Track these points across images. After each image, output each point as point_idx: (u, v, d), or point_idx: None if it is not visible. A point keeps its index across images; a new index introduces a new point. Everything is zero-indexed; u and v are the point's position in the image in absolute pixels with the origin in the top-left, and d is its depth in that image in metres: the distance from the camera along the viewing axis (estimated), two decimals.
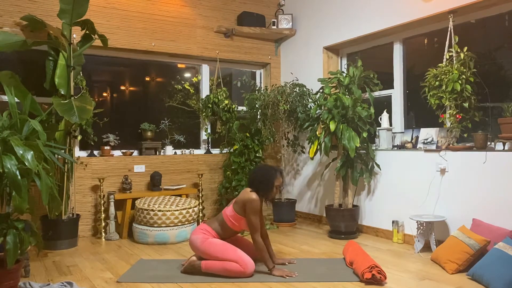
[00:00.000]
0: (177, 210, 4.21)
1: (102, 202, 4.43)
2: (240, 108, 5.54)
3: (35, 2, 4.32)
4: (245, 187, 3.34)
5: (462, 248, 3.14)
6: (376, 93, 4.69)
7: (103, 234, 4.42)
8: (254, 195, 3.17)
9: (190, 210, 4.33)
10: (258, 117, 5.25)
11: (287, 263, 3.42)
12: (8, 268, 2.58)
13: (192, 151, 5.30)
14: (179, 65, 5.42)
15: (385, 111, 4.48)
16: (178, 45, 5.12)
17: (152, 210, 4.17)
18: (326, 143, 4.35)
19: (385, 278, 2.94)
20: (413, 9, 4.10)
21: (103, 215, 4.42)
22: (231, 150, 5.11)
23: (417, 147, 4.11)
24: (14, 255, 2.58)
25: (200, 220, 4.83)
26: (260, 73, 6.04)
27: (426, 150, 3.96)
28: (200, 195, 4.94)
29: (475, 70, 3.63)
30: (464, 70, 3.60)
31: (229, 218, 3.24)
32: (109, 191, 4.56)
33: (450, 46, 3.81)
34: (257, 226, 3.15)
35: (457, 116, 3.62)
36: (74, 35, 4.40)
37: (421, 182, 4.00)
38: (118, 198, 4.50)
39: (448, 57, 3.79)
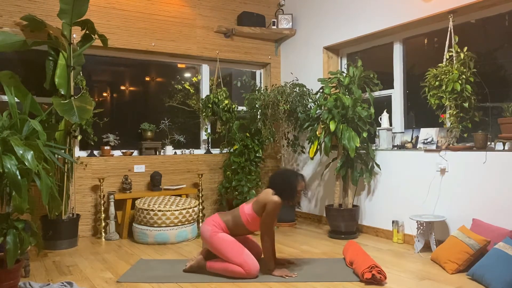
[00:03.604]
0: (177, 210, 4.22)
1: (102, 202, 4.43)
2: (240, 108, 5.54)
3: (35, 2, 4.32)
4: (260, 189, 3.29)
5: (462, 248, 3.14)
6: (376, 93, 4.69)
7: (103, 234, 4.42)
8: (277, 198, 3.11)
9: (190, 210, 4.33)
10: (258, 117, 5.25)
11: (287, 263, 3.42)
12: (8, 268, 2.58)
13: (192, 151, 5.30)
14: (179, 65, 5.42)
15: (385, 111, 4.48)
16: (178, 45, 5.12)
17: (152, 210, 4.17)
18: (326, 143, 4.35)
19: (385, 278, 2.94)
20: (413, 9, 4.10)
21: (103, 215, 4.42)
22: (231, 150, 5.11)
23: (417, 147, 4.11)
24: (14, 255, 2.58)
25: (200, 220, 4.83)
26: (260, 73, 6.04)
27: (426, 150, 3.96)
28: (200, 195, 4.94)
29: (475, 70, 3.63)
30: (464, 70, 3.60)
31: (247, 216, 3.19)
32: (109, 191, 4.56)
33: (450, 46, 3.81)
34: (270, 228, 3.14)
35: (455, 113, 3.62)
36: (74, 35, 4.40)
37: (421, 182, 4.00)
38: (118, 198, 4.49)
39: (448, 57, 3.79)
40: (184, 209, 4.27)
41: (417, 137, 4.19)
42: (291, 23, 5.60)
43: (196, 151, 5.36)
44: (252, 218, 3.18)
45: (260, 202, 3.15)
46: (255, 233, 4.58)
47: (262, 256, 3.43)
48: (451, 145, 3.76)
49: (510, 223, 3.30)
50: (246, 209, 3.22)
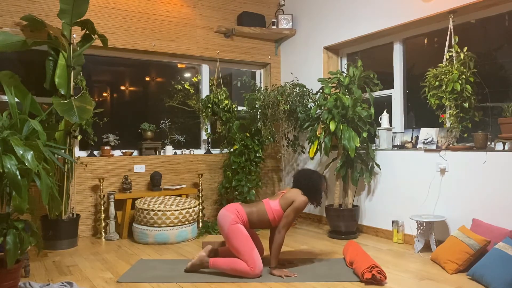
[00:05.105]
0: (177, 210, 4.22)
1: (102, 202, 4.43)
2: (240, 108, 5.54)
3: (35, 2, 4.32)
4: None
5: (462, 248, 3.14)
6: (376, 93, 4.69)
7: (103, 234, 4.42)
8: (305, 198, 3.25)
9: (190, 210, 4.33)
10: (258, 117, 5.25)
11: (287, 263, 3.42)
12: (8, 268, 2.58)
13: (192, 151, 5.30)
14: (179, 65, 5.42)
15: (385, 111, 4.48)
16: (178, 45, 5.12)
17: (152, 210, 4.17)
18: (326, 143, 4.35)
19: (385, 278, 2.94)
20: (413, 9, 4.10)
21: (103, 215, 4.42)
22: (231, 150, 5.11)
23: (417, 147, 4.11)
24: (14, 255, 2.58)
25: (200, 220, 4.83)
26: (260, 73, 6.04)
27: (426, 150, 3.96)
28: (200, 195, 4.94)
29: (475, 70, 3.63)
30: (464, 70, 3.60)
31: (273, 211, 3.23)
32: (109, 191, 4.56)
33: (450, 46, 3.81)
34: (290, 223, 3.22)
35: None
36: (74, 35, 4.40)
37: (421, 182, 4.00)
38: (118, 198, 4.49)
39: (448, 57, 3.79)
40: (184, 209, 4.27)
41: (417, 137, 4.19)
42: (291, 23, 5.60)
43: (196, 151, 5.36)
44: (278, 213, 3.24)
45: (289, 199, 3.24)
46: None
47: (265, 254, 3.44)
48: (451, 145, 3.76)
49: (510, 223, 3.30)
50: (273, 205, 3.25)
